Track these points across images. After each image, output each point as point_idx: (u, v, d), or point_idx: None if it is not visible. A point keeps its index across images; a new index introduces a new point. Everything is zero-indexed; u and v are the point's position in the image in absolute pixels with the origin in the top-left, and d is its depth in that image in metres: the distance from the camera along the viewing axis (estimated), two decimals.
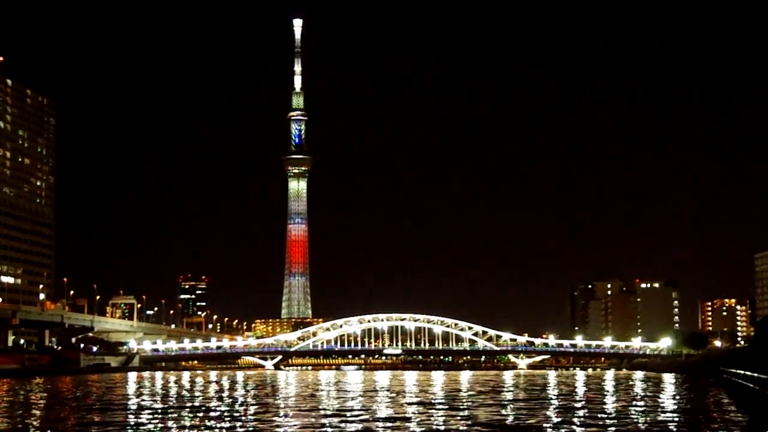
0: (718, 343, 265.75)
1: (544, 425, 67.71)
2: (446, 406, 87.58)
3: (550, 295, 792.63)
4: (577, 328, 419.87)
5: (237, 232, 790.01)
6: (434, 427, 66.57)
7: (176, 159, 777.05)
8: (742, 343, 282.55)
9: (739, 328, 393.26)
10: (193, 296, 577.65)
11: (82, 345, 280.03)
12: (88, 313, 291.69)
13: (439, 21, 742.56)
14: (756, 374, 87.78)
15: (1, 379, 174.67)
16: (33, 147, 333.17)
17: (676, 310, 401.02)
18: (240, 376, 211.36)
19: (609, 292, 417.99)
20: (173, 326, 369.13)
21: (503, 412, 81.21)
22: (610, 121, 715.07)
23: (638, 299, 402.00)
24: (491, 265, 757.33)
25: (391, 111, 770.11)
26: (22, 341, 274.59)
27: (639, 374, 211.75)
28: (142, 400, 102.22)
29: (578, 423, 69.78)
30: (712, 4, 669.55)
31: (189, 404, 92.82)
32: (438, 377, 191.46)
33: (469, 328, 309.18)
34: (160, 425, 68.80)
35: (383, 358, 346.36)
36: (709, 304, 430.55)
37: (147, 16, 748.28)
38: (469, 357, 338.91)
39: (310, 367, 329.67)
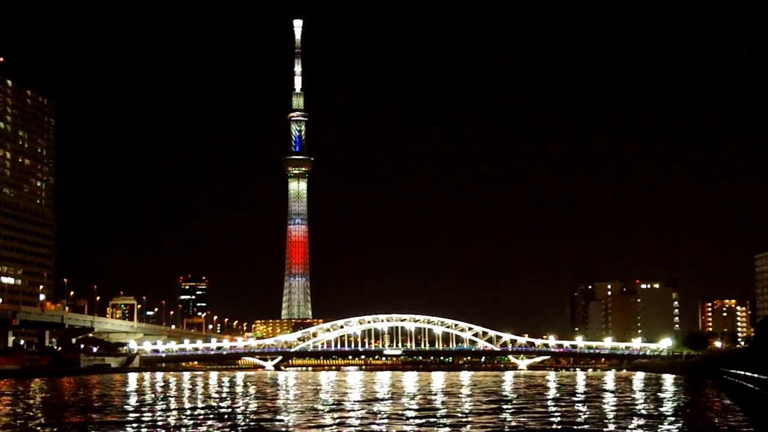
0: (718, 344, 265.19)
1: (545, 426, 67.63)
2: (446, 407, 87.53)
3: (550, 296, 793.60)
4: (577, 329, 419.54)
5: (237, 233, 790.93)
6: (433, 427, 66.54)
7: (176, 159, 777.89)
8: (743, 343, 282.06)
9: (739, 329, 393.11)
10: (193, 297, 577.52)
11: (82, 346, 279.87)
12: (89, 314, 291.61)
13: (439, 21, 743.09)
14: (756, 375, 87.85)
15: (1, 380, 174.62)
16: (33, 147, 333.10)
17: (676, 310, 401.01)
18: (240, 376, 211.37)
19: (609, 293, 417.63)
20: (173, 327, 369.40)
21: (504, 414, 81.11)
22: (611, 121, 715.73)
23: (638, 300, 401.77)
24: (491, 266, 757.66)
25: (391, 111, 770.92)
26: (22, 342, 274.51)
27: (639, 375, 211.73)
28: (143, 401, 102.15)
29: (578, 424, 69.68)
30: (715, 4, 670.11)
31: (189, 405, 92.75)
32: (438, 378, 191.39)
33: (470, 328, 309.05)
34: (160, 426, 68.75)
35: (383, 358, 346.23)
36: (709, 304, 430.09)
37: (147, 17, 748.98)
38: (469, 357, 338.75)
39: (310, 368, 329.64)
